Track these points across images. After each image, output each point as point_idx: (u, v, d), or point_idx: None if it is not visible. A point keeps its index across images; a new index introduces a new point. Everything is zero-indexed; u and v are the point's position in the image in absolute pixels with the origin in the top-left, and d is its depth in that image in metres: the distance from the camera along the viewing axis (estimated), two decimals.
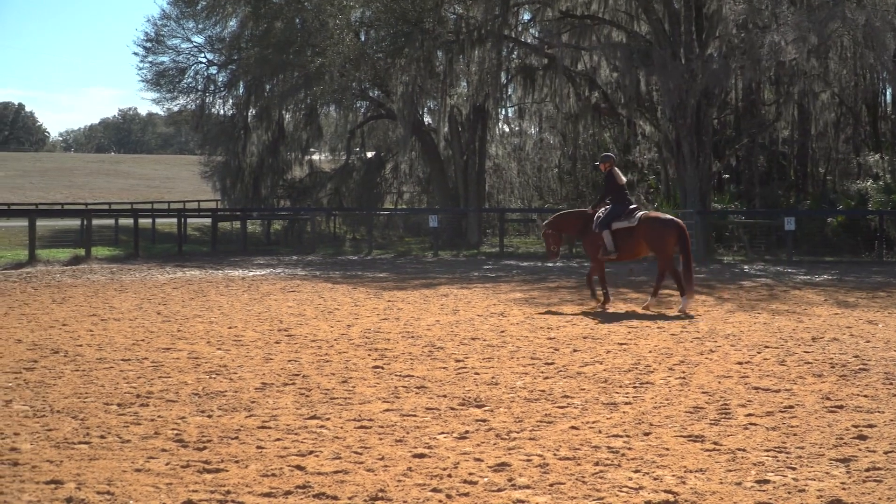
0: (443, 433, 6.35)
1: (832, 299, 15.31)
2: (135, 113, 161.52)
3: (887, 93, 34.78)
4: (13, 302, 14.54)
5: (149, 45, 38.69)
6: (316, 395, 7.61)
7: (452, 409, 7.11)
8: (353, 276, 20.65)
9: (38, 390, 7.68)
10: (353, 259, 26.80)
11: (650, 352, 9.87)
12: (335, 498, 4.95)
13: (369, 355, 9.60)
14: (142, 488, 5.07)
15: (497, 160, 37.97)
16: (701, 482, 5.23)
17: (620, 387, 7.97)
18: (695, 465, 5.55)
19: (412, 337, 10.94)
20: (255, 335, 11.02)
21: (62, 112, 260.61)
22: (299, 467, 5.49)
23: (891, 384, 8.07)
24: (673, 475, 5.37)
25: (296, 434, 6.30)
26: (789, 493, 5.06)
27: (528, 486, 5.17)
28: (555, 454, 5.81)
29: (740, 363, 9.16)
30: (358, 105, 37.35)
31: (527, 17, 31.76)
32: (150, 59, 38.75)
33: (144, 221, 33.83)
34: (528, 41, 31.29)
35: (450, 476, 5.34)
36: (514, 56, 31.70)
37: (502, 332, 11.42)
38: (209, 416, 6.81)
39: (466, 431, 6.39)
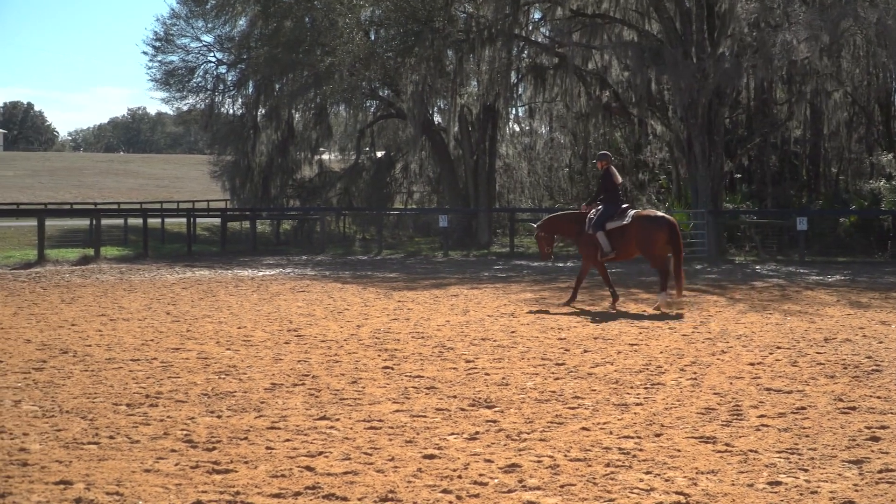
0: (453, 434, 6.33)
1: (845, 300, 15.22)
2: (144, 112, 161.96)
3: None
4: (22, 302, 14.57)
5: (158, 44, 38.73)
6: (325, 395, 7.59)
7: (462, 409, 7.09)
8: (362, 276, 20.64)
9: (47, 390, 7.69)
10: (362, 259, 26.81)
11: (661, 352, 9.82)
12: (345, 499, 4.93)
13: (379, 356, 9.58)
14: (151, 489, 5.06)
15: (507, 160, 37.89)
16: (712, 484, 5.20)
17: (631, 388, 7.93)
18: (706, 467, 5.52)
19: (422, 337, 10.91)
20: (264, 335, 11.02)
21: (71, 111, 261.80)
22: (309, 468, 5.47)
23: None
24: (684, 476, 5.34)
25: (305, 435, 6.28)
26: (801, 494, 5.03)
27: (538, 488, 5.14)
28: (565, 455, 5.78)
29: (752, 364, 9.10)
30: (368, 104, 37.32)
31: (537, 15, 31.71)
32: (159, 58, 38.79)
33: (154, 221, 33.92)
34: (539, 40, 31.23)
35: (460, 477, 5.31)
36: (524, 55, 31.63)
37: (513, 332, 11.38)
38: (218, 417, 6.80)
39: (477, 432, 6.37)
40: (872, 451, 5.87)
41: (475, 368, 8.86)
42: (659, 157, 34.00)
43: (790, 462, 5.64)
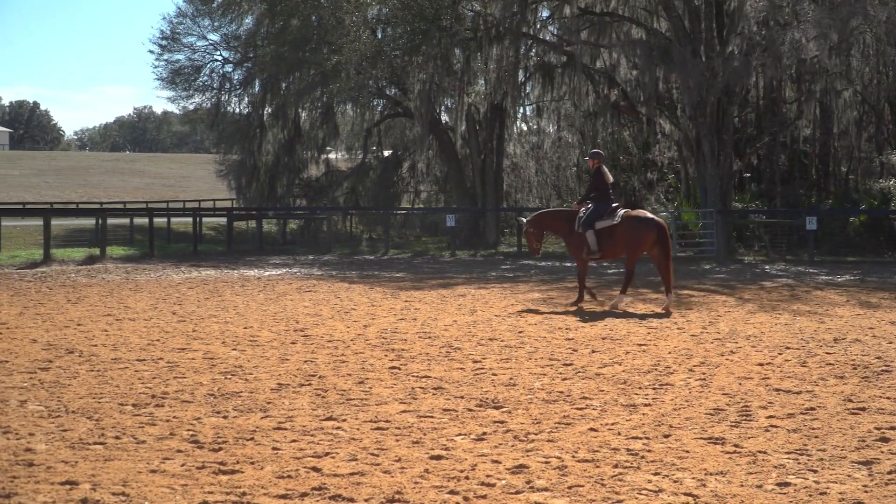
0: (460, 435, 6.30)
1: (854, 300, 15.15)
2: (150, 111, 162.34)
3: None
4: (28, 301, 14.58)
5: (164, 43, 38.76)
6: (332, 395, 7.57)
7: (470, 410, 7.06)
8: (369, 275, 20.63)
9: (53, 390, 7.68)
10: (369, 259, 26.80)
11: (670, 353, 9.78)
12: (351, 500, 4.91)
13: (386, 356, 9.56)
14: (157, 489, 5.04)
15: (515, 159, 37.83)
16: (721, 485, 5.17)
17: (640, 388, 7.89)
18: (715, 468, 5.49)
19: (429, 337, 10.89)
20: (270, 335, 11.00)
21: (77, 110, 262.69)
22: (315, 469, 5.45)
23: None
24: (693, 478, 5.30)
25: (312, 435, 6.25)
26: (810, 495, 5.00)
27: (546, 489, 5.11)
28: (573, 456, 5.74)
29: (761, 364, 9.05)
30: (375, 103, 37.29)
31: (545, 14, 31.65)
32: (165, 57, 38.83)
33: (160, 221, 33.95)
34: (547, 38, 31.16)
35: (467, 478, 5.29)
36: (532, 54, 31.57)
37: (520, 332, 11.34)
38: (225, 417, 6.78)
39: (484, 433, 6.33)
40: (882, 452, 5.82)
41: (482, 369, 8.83)
42: (667, 156, 33.93)
43: (799, 463, 5.60)
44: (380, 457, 5.72)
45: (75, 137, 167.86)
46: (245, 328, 11.61)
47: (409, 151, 39.07)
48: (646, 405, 7.22)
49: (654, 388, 7.88)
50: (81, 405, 7.13)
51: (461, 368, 8.84)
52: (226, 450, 5.87)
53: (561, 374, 8.58)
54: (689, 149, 27.89)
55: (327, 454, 5.78)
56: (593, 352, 9.84)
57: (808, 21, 24.05)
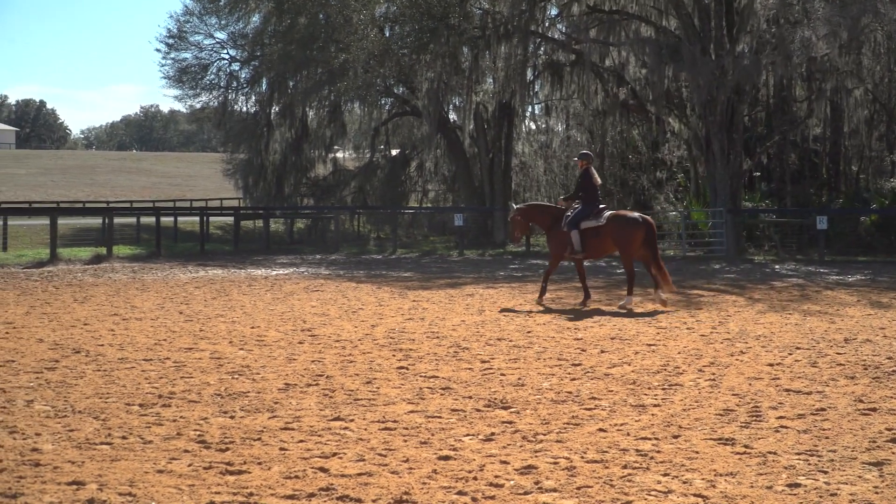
0: (468, 435, 6.27)
1: (865, 300, 15.06)
2: (157, 110, 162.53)
3: None
4: (35, 301, 14.60)
5: (171, 41, 38.79)
6: (340, 396, 7.54)
7: (478, 410, 7.02)
8: (377, 275, 20.62)
9: (59, 390, 7.67)
10: (377, 258, 26.79)
11: (679, 353, 9.73)
12: (359, 500, 4.89)
13: (394, 356, 9.53)
14: (164, 490, 5.02)
15: (523, 158, 37.74)
16: (731, 486, 5.14)
17: (649, 388, 7.85)
18: (725, 469, 5.45)
19: (437, 337, 10.86)
20: (278, 335, 10.98)
21: (84, 109, 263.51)
22: (323, 469, 5.43)
23: None
24: (702, 479, 5.27)
25: (319, 436, 6.23)
26: (821, 496, 4.97)
27: (554, 490, 5.08)
28: (582, 457, 5.71)
29: (771, 365, 9.00)
30: (382, 102, 37.24)
31: (554, 12, 31.54)
32: (172, 55, 38.86)
33: (166, 220, 34.00)
34: (556, 37, 31.06)
35: (475, 479, 5.26)
36: (540, 52, 31.48)
37: (528, 332, 11.31)
38: (232, 417, 6.76)
39: (492, 433, 6.30)
40: (893, 453, 5.78)
41: (491, 369, 8.79)
42: (677, 154, 33.82)
43: (809, 464, 5.57)
44: (388, 457, 5.69)
45: (82, 136, 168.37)
46: (252, 328, 11.59)
47: (416, 150, 39.04)
48: (655, 405, 7.18)
49: (663, 389, 7.84)
50: (88, 405, 7.12)
51: (469, 368, 8.81)
52: (233, 450, 5.85)
53: (570, 374, 8.54)
54: (698, 148, 27.79)
55: (335, 454, 5.75)
56: (602, 352, 9.80)
57: (819, 19, 23.94)
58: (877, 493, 5.02)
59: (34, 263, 22.60)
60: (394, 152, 40.45)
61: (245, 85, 39.03)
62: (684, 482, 5.21)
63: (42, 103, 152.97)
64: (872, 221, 27.93)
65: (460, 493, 5.01)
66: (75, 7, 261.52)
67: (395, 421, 6.65)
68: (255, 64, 37.93)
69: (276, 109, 37.45)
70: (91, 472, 5.34)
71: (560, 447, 5.95)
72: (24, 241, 31.49)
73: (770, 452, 5.81)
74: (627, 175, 35.96)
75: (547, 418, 6.75)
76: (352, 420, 6.68)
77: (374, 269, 22.52)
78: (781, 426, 6.49)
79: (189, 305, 14.11)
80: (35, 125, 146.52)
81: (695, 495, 4.97)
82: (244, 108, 39.51)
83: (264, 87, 37.85)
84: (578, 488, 5.10)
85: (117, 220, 31.40)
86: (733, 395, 7.58)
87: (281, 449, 5.88)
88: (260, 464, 5.55)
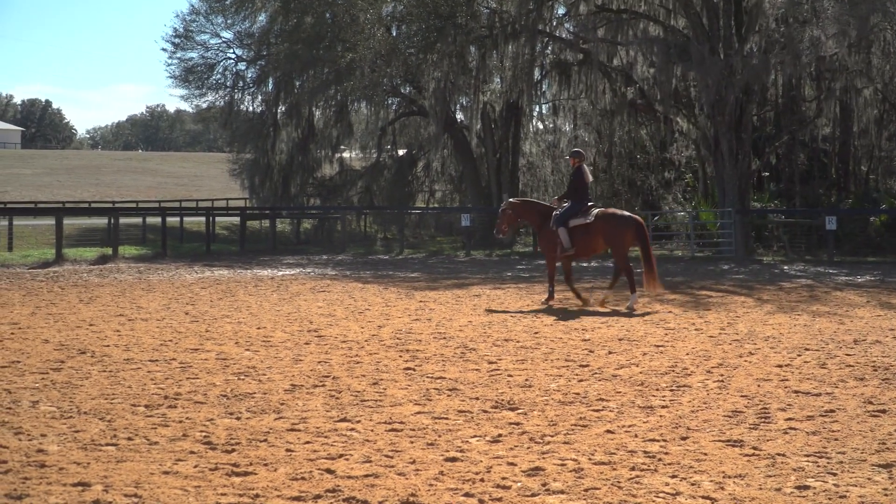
0: (475, 436, 6.24)
1: (875, 301, 14.99)
2: (163, 110, 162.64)
3: None
4: (40, 301, 14.60)
5: (177, 40, 38.76)
6: (346, 397, 7.52)
7: (485, 411, 6.99)
8: (384, 275, 20.60)
9: (64, 391, 7.65)
10: (384, 259, 26.78)
11: (687, 354, 9.69)
12: (365, 502, 4.87)
13: (400, 357, 9.50)
14: (169, 491, 5.00)
15: (531, 158, 37.68)
16: (740, 488, 5.10)
17: (657, 390, 7.81)
18: (733, 471, 5.42)
19: (444, 338, 10.83)
20: (284, 336, 10.97)
21: (89, 109, 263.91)
22: (329, 471, 5.40)
23: None
24: (711, 481, 5.24)
25: (325, 437, 6.21)
26: (830, 499, 4.94)
27: (562, 491, 5.05)
28: (590, 459, 5.68)
29: (780, 366, 8.95)
30: (389, 101, 37.19)
31: (561, 11, 31.53)
32: (178, 55, 38.82)
33: (172, 220, 34.04)
34: (563, 36, 31.02)
35: (482, 480, 5.23)
36: (548, 51, 31.44)
37: (536, 333, 11.27)
38: (238, 419, 6.74)
39: (499, 435, 6.28)
40: None
41: (498, 370, 8.76)
42: (685, 154, 33.74)
43: (818, 466, 5.53)
44: (394, 458, 5.67)
45: (87, 136, 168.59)
46: (258, 328, 11.58)
47: (423, 150, 38.98)
48: (663, 407, 7.14)
49: (671, 390, 7.80)
50: (93, 406, 7.10)
51: (476, 369, 8.78)
52: (239, 451, 5.83)
53: (577, 375, 8.50)
54: (706, 148, 27.71)
55: (341, 456, 5.73)
56: (610, 353, 9.76)
57: (828, 18, 23.85)
58: (886, 495, 4.99)
59: (39, 264, 22.62)
60: (401, 152, 40.40)
61: (251, 84, 39.01)
62: (692, 484, 5.18)
63: (48, 103, 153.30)
64: (882, 222, 27.82)
65: (467, 494, 4.99)
66: (81, 6, 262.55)
67: (401, 422, 6.63)
68: (261, 63, 37.90)
69: (283, 109, 37.40)
70: (96, 473, 5.33)
71: (567, 449, 5.92)
72: (30, 241, 31.56)
73: (779, 454, 5.77)
74: (635, 175, 35.89)
75: (554, 420, 6.72)
76: (358, 421, 6.66)
77: (380, 269, 22.50)
78: (790, 428, 6.45)
79: (195, 306, 14.10)
80: (41, 125, 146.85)
81: (703, 497, 4.95)
82: (250, 108, 39.48)
83: (270, 87, 37.79)
84: (586, 490, 5.07)
85: (123, 221, 31.44)
86: (742, 396, 7.54)
87: (287, 450, 5.86)
88: (266, 465, 5.53)
